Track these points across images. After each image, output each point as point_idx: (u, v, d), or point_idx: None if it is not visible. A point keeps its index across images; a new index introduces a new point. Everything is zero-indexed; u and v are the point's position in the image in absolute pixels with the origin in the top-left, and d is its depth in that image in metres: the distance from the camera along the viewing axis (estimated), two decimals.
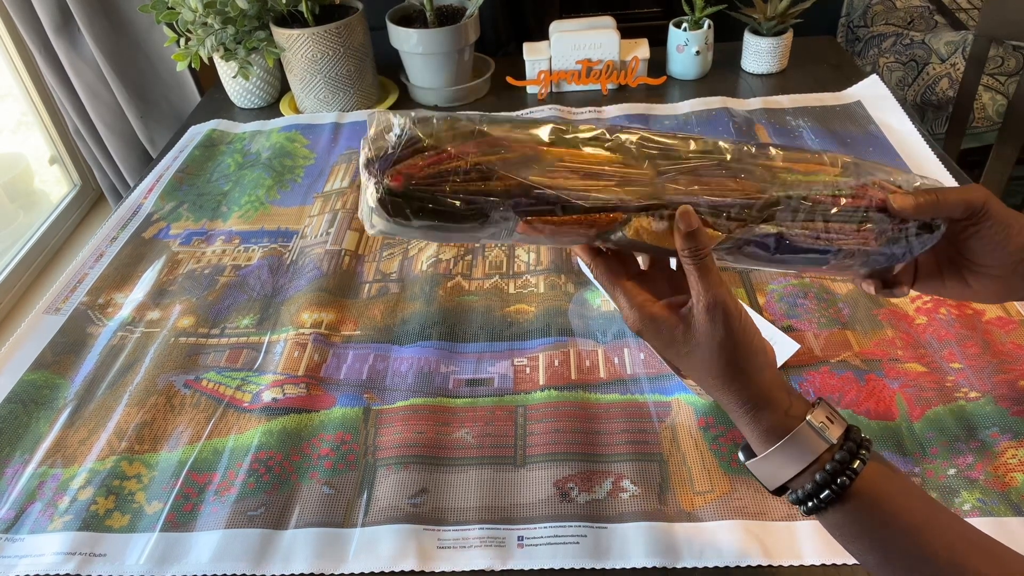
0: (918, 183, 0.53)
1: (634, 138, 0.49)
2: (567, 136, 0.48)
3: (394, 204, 0.45)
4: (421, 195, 0.45)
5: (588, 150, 0.48)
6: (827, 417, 0.47)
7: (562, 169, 0.46)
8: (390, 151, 0.45)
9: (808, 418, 0.46)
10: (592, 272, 0.52)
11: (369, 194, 0.46)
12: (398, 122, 0.46)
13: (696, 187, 0.48)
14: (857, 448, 0.45)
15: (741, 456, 0.50)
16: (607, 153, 0.48)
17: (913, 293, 0.61)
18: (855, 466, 0.44)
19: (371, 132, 0.46)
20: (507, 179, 0.45)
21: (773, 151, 0.51)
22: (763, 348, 0.48)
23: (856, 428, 0.47)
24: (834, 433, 0.46)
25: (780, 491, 0.48)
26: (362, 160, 0.46)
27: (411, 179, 0.45)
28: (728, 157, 0.50)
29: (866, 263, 0.54)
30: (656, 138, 0.49)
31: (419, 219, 0.46)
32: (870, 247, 0.52)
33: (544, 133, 0.47)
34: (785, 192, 0.49)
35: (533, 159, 0.46)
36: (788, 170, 0.50)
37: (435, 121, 0.46)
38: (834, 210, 0.50)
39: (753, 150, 0.51)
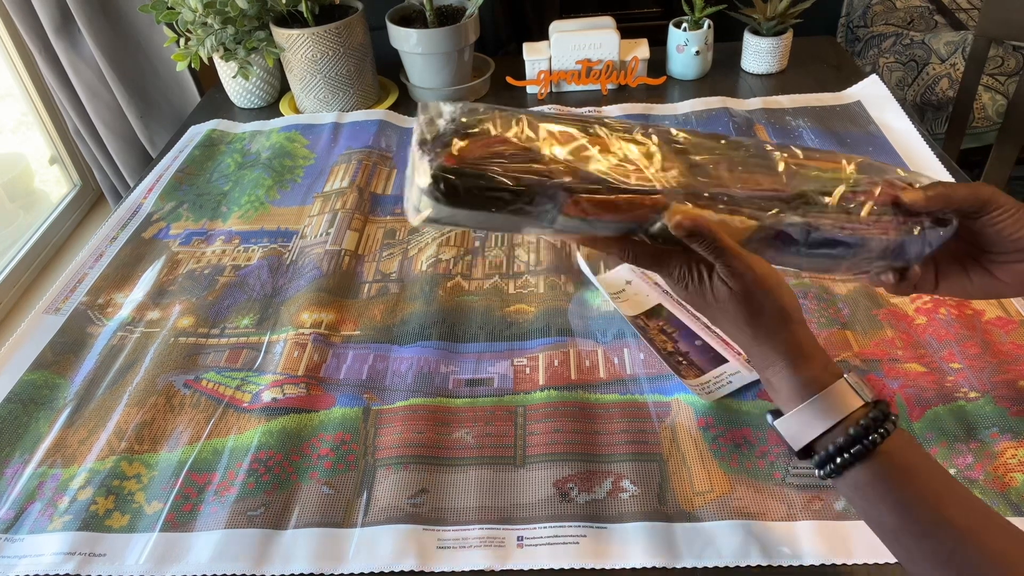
0: (923, 180, 0.56)
1: (669, 135, 0.52)
2: (606, 131, 0.50)
3: (447, 184, 0.46)
4: (474, 175, 0.46)
5: (626, 145, 0.50)
6: (860, 380, 0.48)
7: (604, 158, 0.49)
8: (443, 132, 0.47)
9: (846, 376, 0.48)
10: (631, 262, 0.53)
11: (421, 174, 0.46)
12: (449, 108, 0.48)
13: (729, 178, 0.51)
14: (887, 414, 0.46)
15: (769, 418, 0.51)
16: (644, 147, 0.50)
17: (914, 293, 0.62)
18: (887, 426, 0.46)
19: (422, 117, 0.48)
20: (555, 161, 0.47)
21: (795, 149, 0.54)
22: (796, 304, 0.50)
23: (885, 400, 0.48)
24: (868, 394, 0.47)
25: (805, 453, 0.49)
26: (415, 140, 0.47)
27: (464, 160, 0.46)
28: (754, 153, 0.52)
29: (884, 257, 0.55)
30: (687, 136, 0.52)
31: (469, 199, 0.47)
32: (889, 237, 0.54)
33: (585, 128, 0.50)
34: (810, 187, 0.52)
35: (577, 148, 0.48)
36: (809, 167, 0.53)
37: (482, 110, 0.48)
38: (853, 204, 0.53)
39: (773, 147, 0.54)
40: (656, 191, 0.49)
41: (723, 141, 0.53)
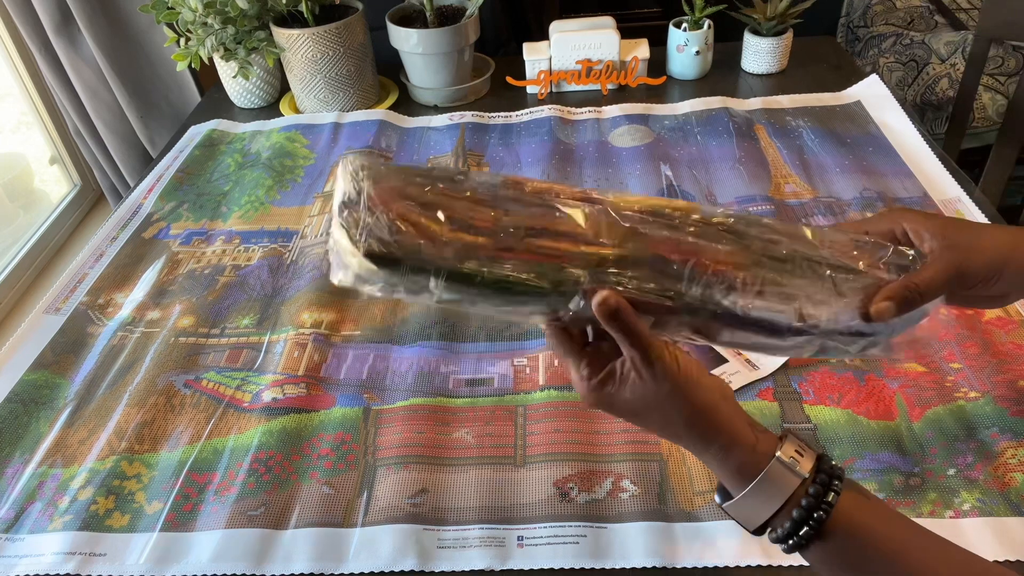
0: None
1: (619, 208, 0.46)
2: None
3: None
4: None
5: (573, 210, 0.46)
6: (796, 451, 0.46)
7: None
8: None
9: (777, 454, 0.46)
10: (547, 343, 0.50)
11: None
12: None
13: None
14: (829, 480, 0.45)
15: (717, 499, 0.50)
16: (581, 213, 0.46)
17: None
18: (829, 499, 0.44)
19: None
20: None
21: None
22: (714, 384, 0.48)
23: (827, 457, 0.46)
24: (805, 466, 0.45)
25: (760, 531, 0.48)
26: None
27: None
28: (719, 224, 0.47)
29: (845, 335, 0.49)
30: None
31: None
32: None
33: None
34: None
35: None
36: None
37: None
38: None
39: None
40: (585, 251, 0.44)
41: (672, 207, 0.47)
